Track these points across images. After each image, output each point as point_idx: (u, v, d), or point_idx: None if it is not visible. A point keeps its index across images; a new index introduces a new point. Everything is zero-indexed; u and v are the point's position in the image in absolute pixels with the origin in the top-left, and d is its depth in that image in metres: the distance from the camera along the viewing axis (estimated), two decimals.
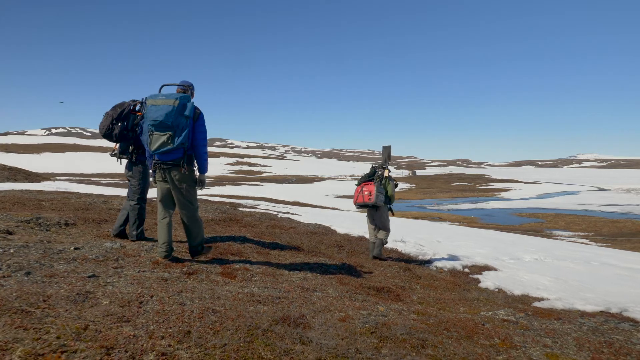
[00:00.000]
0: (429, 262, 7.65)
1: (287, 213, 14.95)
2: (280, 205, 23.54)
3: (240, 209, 13.43)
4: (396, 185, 7.55)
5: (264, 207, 17.68)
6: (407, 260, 7.64)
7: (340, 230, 10.50)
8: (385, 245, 8.78)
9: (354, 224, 13.58)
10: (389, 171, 7.44)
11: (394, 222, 18.14)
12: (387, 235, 7.35)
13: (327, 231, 9.88)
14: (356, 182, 7.46)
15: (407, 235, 11.64)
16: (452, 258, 8.20)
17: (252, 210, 13.44)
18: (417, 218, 40.20)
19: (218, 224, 8.46)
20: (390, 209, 7.59)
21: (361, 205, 7.12)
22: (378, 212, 7.25)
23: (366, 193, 6.96)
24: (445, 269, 7.07)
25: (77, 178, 66.25)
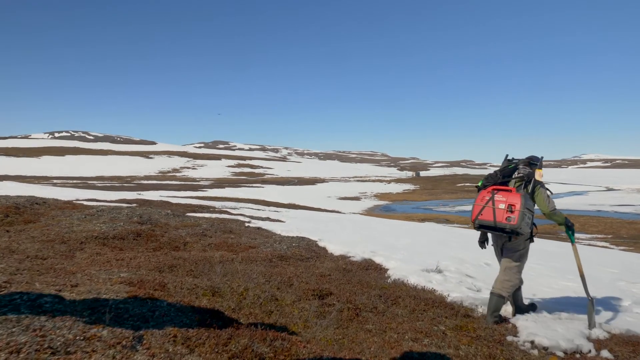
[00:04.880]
0: (507, 322, 3.74)
1: (266, 219, 11.07)
2: (269, 207, 19.65)
3: (195, 214, 9.56)
4: (553, 209, 3.72)
5: (241, 210, 13.82)
6: (465, 316, 3.72)
7: (334, 248, 6.61)
8: (413, 283, 4.88)
9: (355, 235, 9.66)
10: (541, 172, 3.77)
11: (407, 233, 14.19)
12: (513, 286, 3.79)
13: (311, 252, 5.98)
14: (478, 183, 3.89)
15: (437, 254, 7.72)
16: (541, 305, 4.32)
17: (212, 216, 9.56)
18: (423, 220, 36.92)
19: (96, 242, 4.59)
20: (531, 236, 3.83)
21: (488, 227, 3.64)
22: (516, 240, 3.74)
23: (501, 207, 3.52)
24: (560, 353, 3.15)
25: (73, 181, 63.48)
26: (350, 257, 6.08)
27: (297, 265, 4.98)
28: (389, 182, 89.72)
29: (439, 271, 5.55)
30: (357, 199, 59.45)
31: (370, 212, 44.02)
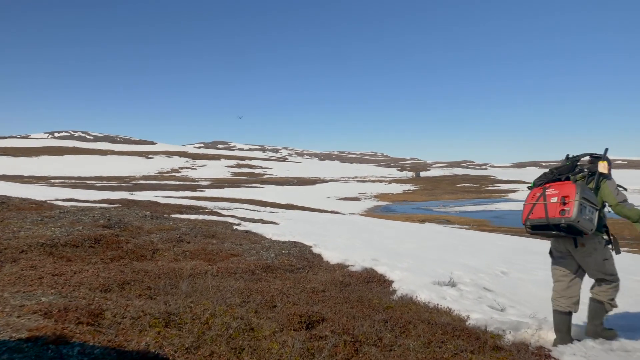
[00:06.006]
0: (549, 357, 2.94)
1: (259, 221, 10.26)
2: (265, 208, 18.85)
3: (180, 215, 8.75)
4: (623, 200, 2.99)
5: (234, 211, 13.01)
6: (494, 349, 2.92)
7: (331, 255, 5.81)
8: (424, 300, 4.07)
9: (354, 239, 8.84)
10: (608, 165, 3.05)
11: (410, 235, 13.39)
12: (614, 290, 3.14)
13: (303, 261, 5.17)
14: (530, 183, 3.25)
15: (445, 261, 6.92)
16: (581, 330, 3.52)
17: (199, 217, 8.75)
18: (423, 221, 36.30)
19: (40, 250, 3.80)
20: (611, 242, 3.15)
21: (541, 227, 2.94)
22: (584, 247, 3.00)
23: (553, 200, 2.82)
24: None
25: (72, 181, 62.85)
26: (348, 266, 5.28)
27: (285, 279, 4.17)
28: (389, 182, 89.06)
29: (453, 284, 4.74)
30: (356, 199, 58.76)
31: (370, 212, 43.33)
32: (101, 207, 7.37)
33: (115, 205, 9.39)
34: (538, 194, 2.98)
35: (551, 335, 3.51)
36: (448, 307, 3.86)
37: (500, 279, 5.75)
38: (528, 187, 3.18)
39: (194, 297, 3.13)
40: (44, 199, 9.41)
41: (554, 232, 2.89)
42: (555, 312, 3.25)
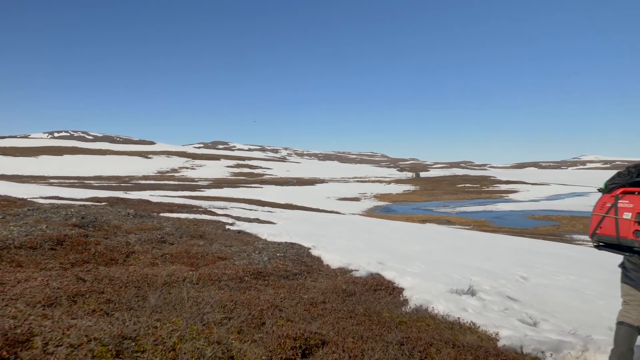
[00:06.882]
0: None
1: (254, 221, 9.64)
2: (263, 208, 18.24)
3: (171, 214, 8.12)
4: None
5: (230, 211, 12.39)
6: None
7: (332, 258, 5.19)
8: (442, 312, 3.46)
9: (356, 240, 8.22)
10: None
11: (414, 236, 12.77)
12: None
13: (300, 265, 4.55)
14: (602, 185, 2.70)
15: (458, 265, 6.30)
16: None
17: (189, 216, 8.12)
18: (424, 221, 35.79)
19: None
20: None
21: (611, 246, 2.50)
22: None
23: (626, 215, 2.31)
24: None
25: (70, 181, 62.26)
26: (352, 270, 4.66)
27: (279, 287, 3.55)
28: (389, 182, 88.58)
29: (473, 293, 4.12)
30: (356, 199, 58.23)
31: (370, 213, 42.80)
32: (80, 205, 6.75)
33: (101, 204, 8.79)
34: (608, 205, 2.43)
35: (600, 358, 2.90)
36: (472, 322, 3.24)
37: (522, 285, 5.14)
38: (599, 190, 2.59)
39: (163, 313, 2.51)
40: (25, 197, 8.79)
41: (627, 253, 2.38)
42: (621, 324, 2.60)
